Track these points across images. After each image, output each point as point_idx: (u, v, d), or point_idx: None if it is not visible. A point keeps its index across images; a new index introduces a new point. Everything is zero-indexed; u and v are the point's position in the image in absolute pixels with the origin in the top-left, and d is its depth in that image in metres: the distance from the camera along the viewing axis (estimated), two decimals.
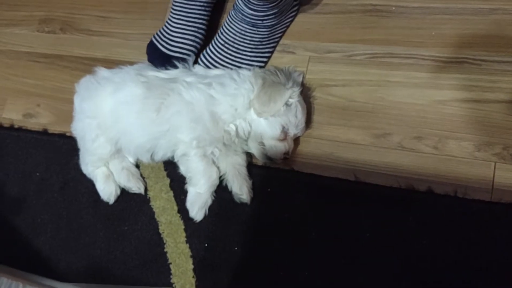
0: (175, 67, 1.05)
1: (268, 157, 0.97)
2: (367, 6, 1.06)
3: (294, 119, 0.96)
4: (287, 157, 0.97)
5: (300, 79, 1.00)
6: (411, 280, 0.86)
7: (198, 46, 1.10)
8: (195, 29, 1.09)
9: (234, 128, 0.97)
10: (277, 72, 0.97)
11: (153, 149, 1.01)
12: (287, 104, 0.96)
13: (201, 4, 1.08)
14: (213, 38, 1.09)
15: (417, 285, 0.85)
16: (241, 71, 1.02)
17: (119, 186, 1.07)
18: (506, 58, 0.94)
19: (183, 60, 1.07)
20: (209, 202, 0.99)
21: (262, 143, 0.97)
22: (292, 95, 0.96)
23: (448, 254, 0.85)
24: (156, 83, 1.01)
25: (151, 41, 1.12)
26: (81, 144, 1.08)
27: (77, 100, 1.09)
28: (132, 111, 1.00)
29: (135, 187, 1.05)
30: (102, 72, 1.07)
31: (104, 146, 1.04)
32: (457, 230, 0.86)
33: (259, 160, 1.00)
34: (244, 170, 0.99)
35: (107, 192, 1.06)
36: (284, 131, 0.96)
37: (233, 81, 0.99)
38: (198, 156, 0.97)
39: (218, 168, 0.99)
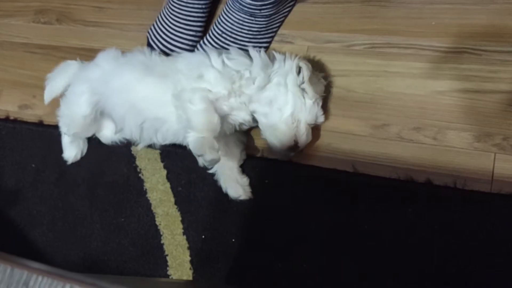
0: None
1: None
2: None
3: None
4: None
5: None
6: (409, 271, 0.85)
7: (197, 40, 1.09)
8: (194, 26, 1.08)
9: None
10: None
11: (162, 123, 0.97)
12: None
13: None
14: (210, 28, 1.08)
15: (416, 276, 0.85)
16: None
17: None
18: (506, 48, 0.93)
19: None
20: (216, 145, 0.88)
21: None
22: None
23: (448, 246, 0.85)
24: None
25: (148, 42, 1.11)
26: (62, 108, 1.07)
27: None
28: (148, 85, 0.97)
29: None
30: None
31: (81, 105, 1.01)
32: (457, 221, 0.86)
33: (276, 153, 0.97)
34: (236, 173, 0.97)
35: (71, 154, 1.10)
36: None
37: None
38: (201, 98, 0.89)
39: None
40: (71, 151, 1.10)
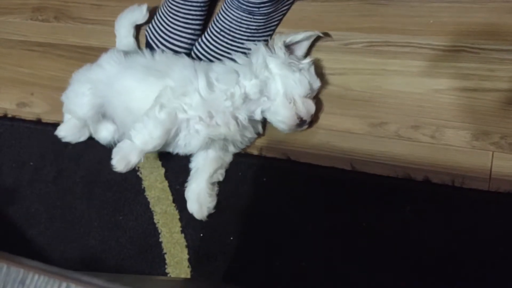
0: None
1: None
2: None
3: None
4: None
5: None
6: (407, 269, 0.85)
7: (196, 38, 1.09)
8: (193, 24, 1.08)
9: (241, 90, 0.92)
10: None
11: None
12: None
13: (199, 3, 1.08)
14: (208, 26, 1.08)
15: (414, 274, 0.85)
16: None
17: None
18: (504, 47, 0.93)
19: None
20: (133, 160, 0.88)
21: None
22: None
23: (445, 244, 0.85)
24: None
25: (147, 41, 1.11)
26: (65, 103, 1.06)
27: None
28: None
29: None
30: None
31: (82, 107, 1.00)
32: (455, 220, 0.86)
33: (284, 129, 0.97)
34: (201, 189, 0.97)
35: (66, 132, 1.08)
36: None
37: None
38: (169, 112, 0.89)
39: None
40: (67, 130, 1.07)
